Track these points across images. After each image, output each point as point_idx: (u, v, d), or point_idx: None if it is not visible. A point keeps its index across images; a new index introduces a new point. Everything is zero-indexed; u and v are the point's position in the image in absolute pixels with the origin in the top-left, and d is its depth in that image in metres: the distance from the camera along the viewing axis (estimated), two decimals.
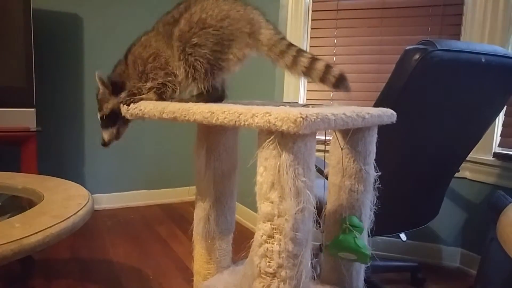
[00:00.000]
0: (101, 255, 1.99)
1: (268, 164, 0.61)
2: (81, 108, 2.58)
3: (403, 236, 1.75)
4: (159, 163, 2.91)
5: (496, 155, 1.80)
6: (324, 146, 0.95)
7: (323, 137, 0.88)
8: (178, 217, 2.65)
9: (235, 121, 0.61)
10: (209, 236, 0.86)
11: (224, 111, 0.62)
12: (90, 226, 2.39)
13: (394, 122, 0.86)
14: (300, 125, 0.54)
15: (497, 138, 1.82)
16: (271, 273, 0.61)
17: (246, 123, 0.59)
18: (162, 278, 1.76)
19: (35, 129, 1.90)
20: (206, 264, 0.87)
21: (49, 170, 1.79)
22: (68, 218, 0.99)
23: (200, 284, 0.85)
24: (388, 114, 0.84)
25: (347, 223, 0.77)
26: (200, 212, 0.86)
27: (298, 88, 2.20)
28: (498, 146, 1.82)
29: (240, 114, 0.60)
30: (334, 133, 0.85)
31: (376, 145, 0.86)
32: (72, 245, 2.09)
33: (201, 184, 0.86)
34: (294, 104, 0.82)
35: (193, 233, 0.89)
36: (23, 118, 1.88)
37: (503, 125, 1.80)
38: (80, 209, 1.07)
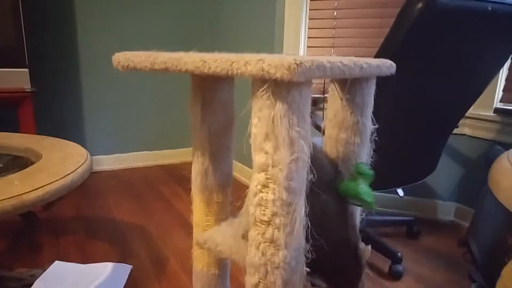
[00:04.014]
0: (105, 214, 2.04)
1: (262, 114, 0.60)
2: (77, 67, 2.54)
3: (400, 192, 1.78)
4: (160, 124, 2.91)
5: (497, 110, 1.79)
6: (323, 104, 0.93)
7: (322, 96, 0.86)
8: (180, 177, 2.69)
9: (228, 70, 0.59)
10: (207, 189, 0.87)
11: (217, 60, 0.61)
12: (93, 187, 2.44)
13: (393, 73, 0.84)
14: (294, 72, 0.53)
15: (499, 93, 1.79)
16: (266, 221, 0.62)
17: (239, 71, 0.58)
18: (165, 235, 1.81)
19: (30, 90, 1.88)
20: (204, 216, 0.89)
21: (49, 133, 1.79)
22: (67, 175, 1.00)
23: (199, 236, 0.86)
24: (387, 65, 0.82)
25: (355, 169, 0.76)
26: (197, 166, 0.87)
27: (299, 41, 2.15)
28: (500, 101, 1.80)
29: (233, 62, 0.59)
30: (333, 85, 0.83)
31: (374, 98, 0.85)
32: (77, 205, 2.14)
33: (197, 139, 0.86)
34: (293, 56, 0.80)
35: (191, 187, 0.90)
36: (16, 78, 1.85)
37: (507, 80, 1.77)
38: (79, 167, 1.07)
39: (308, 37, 2.14)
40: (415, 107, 1.31)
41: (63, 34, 2.45)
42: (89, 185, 2.46)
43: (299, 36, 2.13)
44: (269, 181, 0.61)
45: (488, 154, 1.34)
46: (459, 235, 1.84)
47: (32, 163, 1.09)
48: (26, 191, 0.86)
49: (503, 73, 1.76)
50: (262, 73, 0.55)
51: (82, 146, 1.30)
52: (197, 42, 2.85)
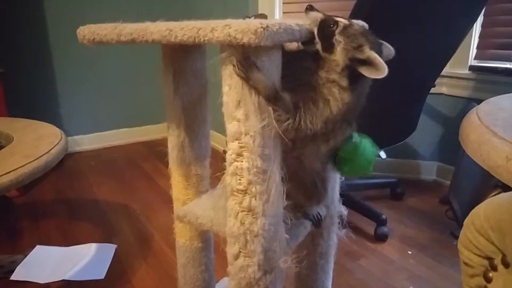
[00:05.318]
0: (87, 195, 2.01)
1: (232, 82, 0.59)
2: (47, 45, 2.42)
3: (382, 154, 1.80)
4: (139, 100, 2.84)
5: (472, 68, 1.80)
6: None
7: None
8: (162, 152, 2.64)
9: (195, 37, 0.57)
10: (185, 162, 0.86)
11: (183, 28, 0.58)
12: (73, 168, 2.39)
13: None
14: (261, 36, 0.51)
15: (473, 51, 1.80)
16: (242, 190, 0.61)
17: (206, 38, 0.56)
18: (149, 211, 1.81)
19: None
20: (184, 190, 0.88)
21: (23, 115, 1.72)
22: (40, 157, 0.97)
23: (180, 210, 0.86)
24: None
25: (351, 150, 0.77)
26: (173, 139, 0.85)
27: (273, 7, 2.09)
28: (474, 59, 1.81)
29: (199, 29, 0.56)
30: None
31: None
32: (57, 187, 2.10)
33: (171, 111, 0.84)
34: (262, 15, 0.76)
35: (169, 161, 0.89)
36: None
37: (480, 37, 1.77)
38: (53, 147, 1.04)
39: (283, 3, 2.08)
40: (390, 67, 1.31)
41: (28, 9, 2.32)
42: (69, 166, 2.41)
43: (273, 1, 2.08)
44: (243, 149, 0.60)
45: (465, 112, 1.36)
46: (442, 194, 1.89)
47: (3, 146, 1.05)
48: None
49: (476, 30, 1.76)
50: (229, 38, 0.53)
51: (59, 127, 1.26)
52: (168, 12, 2.75)
